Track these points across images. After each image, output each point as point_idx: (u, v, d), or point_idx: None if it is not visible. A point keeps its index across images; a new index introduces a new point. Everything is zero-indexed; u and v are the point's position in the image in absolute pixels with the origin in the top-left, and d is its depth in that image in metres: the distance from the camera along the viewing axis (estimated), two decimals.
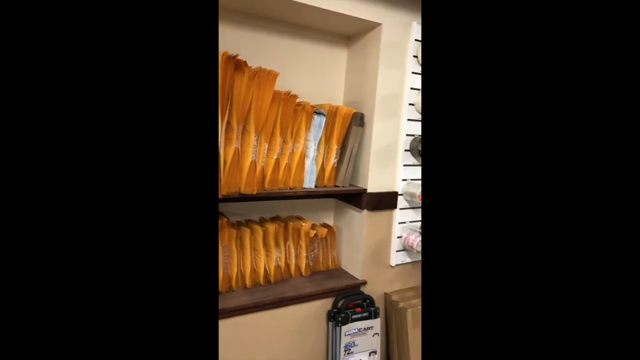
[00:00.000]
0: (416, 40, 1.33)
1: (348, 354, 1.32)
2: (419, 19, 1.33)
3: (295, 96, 1.18)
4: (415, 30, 1.32)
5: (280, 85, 1.20)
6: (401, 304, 1.38)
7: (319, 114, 1.26)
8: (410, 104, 1.37)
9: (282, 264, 1.36)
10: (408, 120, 1.38)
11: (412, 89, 1.36)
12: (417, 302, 1.41)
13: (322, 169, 1.32)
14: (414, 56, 1.34)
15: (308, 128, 1.26)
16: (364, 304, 1.37)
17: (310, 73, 1.43)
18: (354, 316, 1.32)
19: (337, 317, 1.30)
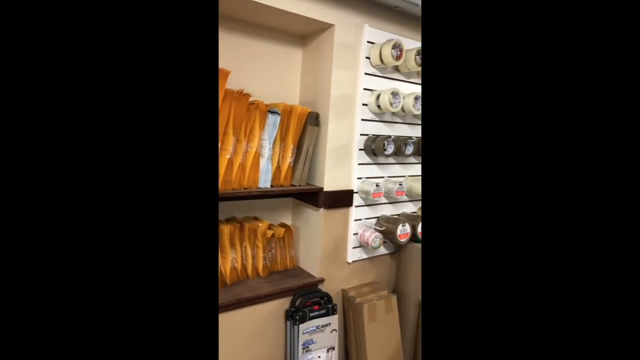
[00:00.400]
0: (368, 42, 1.37)
1: (306, 351, 1.32)
2: (370, 21, 1.37)
3: (248, 95, 1.17)
4: (367, 32, 1.36)
5: (233, 83, 1.18)
6: (358, 300, 1.41)
7: (274, 112, 1.25)
8: (363, 104, 1.41)
9: (239, 265, 1.34)
10: (362, 120, 1.41)
11: (365, 89, 1.40)
12: (373, 296, 1.45)
13: (278, 168, 1.32)
14: (367, 57, 1.38)
15: (262, 127, 1.25)
16: (322, 301, 1.39)
17: (265, 72, 1.42)
18: (311, 314, 1.33)
19: (294, 316, 1.30)
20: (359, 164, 1.44)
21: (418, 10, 1.39)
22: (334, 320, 1.39)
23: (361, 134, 1.42)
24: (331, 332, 1.39)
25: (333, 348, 1.40)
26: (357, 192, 1.46)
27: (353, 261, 1.50)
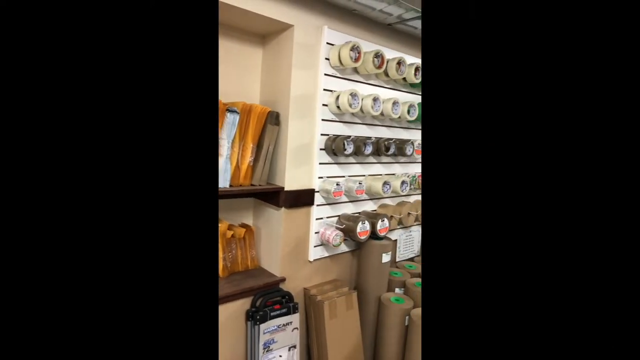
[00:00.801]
0: (327, 43, 1.39)
1: (267, 351, 1.32)
2: (329, 23, 1.39)
3: None
4: (326, 33, 1.38)
5: None
6: (319, 297, 1.43)
7: (232, 111, 1.24)
8: (324, 105, 1.43)
9: None
10: (322, 120, 1.43)
11: (325, 90, 1.42)
12: (334, 294, 1.48)
13: (237, 168, 1.31)
14: (326, 58, 1.40)
15: (220, 125, 1.23)
16: (283, 300, 1.39)
17: (224, 70, 1.40)
18: (272, 313, 1.33)
19: (255, 316, 1.29)
20: (320, 163, 1.46)
21: (376, 15, 1.43)
22: (295, 318, 1.40)
23: (322, 134, 1.44)
24: (292, 331, 1.39)
25: (294, 346, 1.40)
26: (318, 191, 1.48)
27: (314, 259, 1.52)
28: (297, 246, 1.46)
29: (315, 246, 1.50)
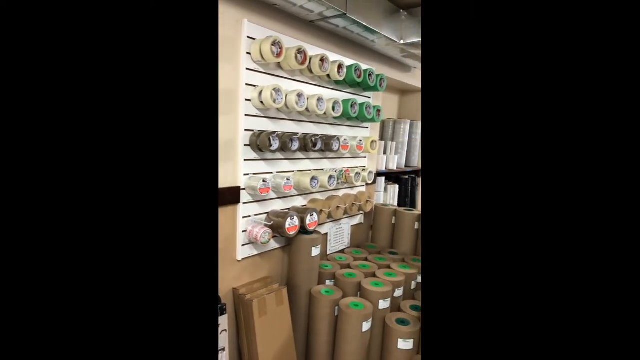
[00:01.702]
0: (248, 37, 1.36)
1: None
2: (250, 17, 1.36)
3: None
4: (247, 27, 1.35)
5: None
6: (248, 296, 1.41)
7: None
8: (247, 100, 1.40)
9: None
10: (246, 115, 1.40)
11: (248, 84, 1.39)
12: (264, 291, 1.46)
13: None
14: (248, 53, 1.37)
15: None
16: None
17: None
18: None
19: None
20: (245, 160, 1.43)
21: (297, 11, 1.44)
22: (223, 320, 1.36)
23: (246, 130, 1.41)
24: (221, 333, 1.35)
25: (223, 349, 1.36)
26: (244, 189, 1.44)
27: (243, 259, 1.49)
28: (223, 246, 1.42)
29: (243, 245, 1.47)
